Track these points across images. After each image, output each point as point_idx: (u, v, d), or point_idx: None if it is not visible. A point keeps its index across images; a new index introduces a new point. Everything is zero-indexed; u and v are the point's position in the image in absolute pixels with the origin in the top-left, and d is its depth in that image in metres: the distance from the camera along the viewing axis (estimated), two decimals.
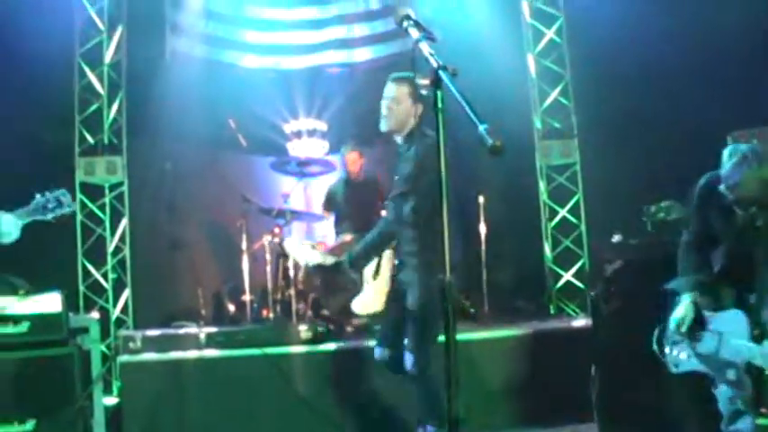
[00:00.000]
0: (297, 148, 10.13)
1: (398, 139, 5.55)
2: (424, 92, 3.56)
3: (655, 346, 5.44)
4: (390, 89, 5.45)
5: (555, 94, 9.87)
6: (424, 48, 3.11)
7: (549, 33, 9.92)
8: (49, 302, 6.29)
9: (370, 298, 5.82)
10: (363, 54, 10.46)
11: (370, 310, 5.91)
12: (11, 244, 4.79)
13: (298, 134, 10.21)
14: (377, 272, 5.95)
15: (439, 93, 2.90)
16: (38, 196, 4.85)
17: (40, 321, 6.22)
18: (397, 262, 5.56)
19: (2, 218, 4.65)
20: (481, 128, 2.78)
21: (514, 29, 10.04)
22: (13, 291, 6.52)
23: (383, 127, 5.48)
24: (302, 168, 8.89)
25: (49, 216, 4.89)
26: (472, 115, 2.80)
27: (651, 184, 8.23)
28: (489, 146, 2.75)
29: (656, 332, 5.46)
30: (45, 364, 6.18)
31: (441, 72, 2.93)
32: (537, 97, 9.97)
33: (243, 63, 10.31)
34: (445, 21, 9.50)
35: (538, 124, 9.93)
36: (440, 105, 2.87)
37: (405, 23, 3.33)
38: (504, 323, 8.00)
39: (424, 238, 5.24)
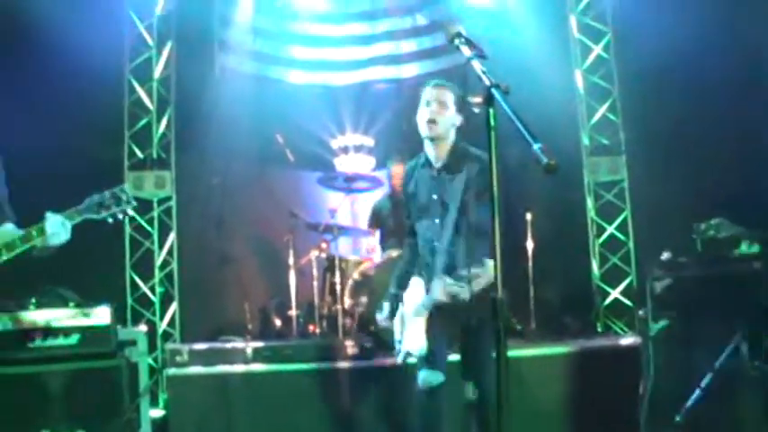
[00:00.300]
0: (344, 164, 10.16)
1: (434, 149, 5.21)
2: (476, 110, 3.48)
3: None
4: (435, 93, 5.14)
5: (603, 110, 9.80)
6: (476, 65, 3.11)
7: (597, 49, 9.86)
8: (99, 315, 6.39)
9: (420, 332, 5.14)
10: (411, 70, 10.47)
11: (424, 345, 5.10)
12: (60, 246, 4.37)
13: (345, 149, 10.25)
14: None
15: (491, 110, 2.89)
16: (94, 195, 4.47)
17: (89, 334, 6.32)
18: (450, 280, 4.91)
19: (49, 218, 4.30)
20: (535, 146, 2.77)
21: (562, 44, 10.00)
22: (63, 303, 6.61)
23: (431, 132, 5.11)
24: (349, 184, 8.92)
25: (104, 214, 4.46)
26: (526, 134, 2.79)
27: (700, 200, 8.15)
28: (544, 164, 2.75)
29: None
30: (94, 377, 6.29)
31: (493, 90, 2.92)
32: (585, 113, 9.90)
33: (290, 79, 10.39)
34: (493, 36, 9.49)
35: (585, 140, 9.87)
36: (492, 123, 2.86)
37: (456, 41, 3.32)
38: (551, 340, 7.94)
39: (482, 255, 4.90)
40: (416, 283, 5.33)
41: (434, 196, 5.23)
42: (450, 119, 5.14)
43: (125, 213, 4.52)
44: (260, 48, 10.28)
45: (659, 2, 8.82)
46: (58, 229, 4.27)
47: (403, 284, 5.45)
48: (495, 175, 2.85)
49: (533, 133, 2.78)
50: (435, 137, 5.15)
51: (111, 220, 4.49)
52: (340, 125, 10.38)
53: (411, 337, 5.20)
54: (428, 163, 5.29)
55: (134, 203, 4.57)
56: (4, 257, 4.27)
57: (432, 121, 5.11)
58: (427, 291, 5.13)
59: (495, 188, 2.87)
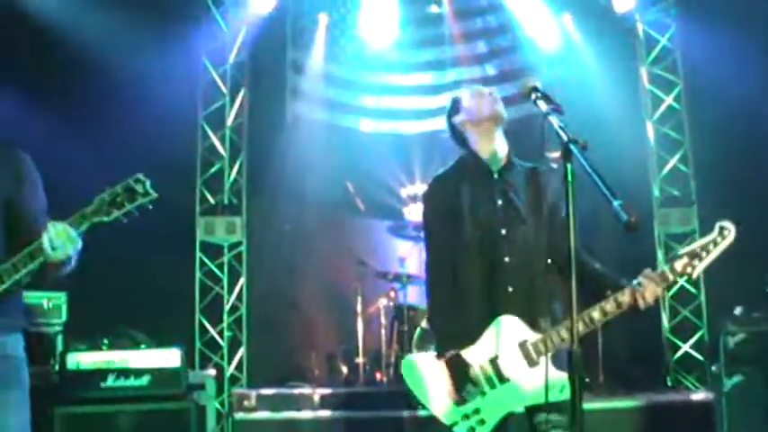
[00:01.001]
0: (413, 213, 10.17)
1: (503, 151, 4.26)
2: (554, 165, 3.53)
3: None
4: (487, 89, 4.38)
5: (674, 161, 9.73)
6: (554, 121, 3.14)
7: (668, 100, 9.81)
8: (169, 357, 6.46)
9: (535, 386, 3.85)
10: None
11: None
12: (67, 260, 3.60)
13: (414, 198, 10.27)
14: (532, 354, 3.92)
15: (569, 166, 2.91)
16: (105, 192, 3.67)
17: (160, 375, 6.40)
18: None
19: (49, 229, 3.50)
20: (615, 204, 2.79)
21: (633, 95, 9.97)
22: (134, 344, 6.72)
23: (503, 112, 4.23)
24: (418, 233, 8.94)
25: (117, 214, 3.64)
26: (605, 190, 2.80)
27: None
28: (625, 221, 2.77)
29: None
30: (163, 418, 6.36)
31: (571, 146, 2.93)
32: (655, 164, 9.83)
33: (361, 127, 10.49)
34: (564, 86, 9.50)
35: (656, 192, 9.79)
36: (570, 178, 2.88)
37: (533, 95, 3.35)
38: (620, 394, 7.83)
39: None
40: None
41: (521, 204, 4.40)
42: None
43: (142, 208, 3.71)
44: (331, 96, 10.42)
45: (730, 52, 8.75)
46: (59, 241, 3.49)
47: None
48: (573, 228, 2.85)
49: (612, 189, 2.80)
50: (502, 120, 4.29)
51: (125, 219, 3.67)
52: (409, 174, 10.43)
53: None
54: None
55: (153, 195, 3.74)
56: (5, 285, 3.55)
57: (497, 102, 4.30)
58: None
59: (573, 240, 2.88)
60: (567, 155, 2.93)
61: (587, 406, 7.10)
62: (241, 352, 9.42)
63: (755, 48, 8.54)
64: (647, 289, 3.81)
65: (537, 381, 3.77)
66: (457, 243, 4.17)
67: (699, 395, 7.82)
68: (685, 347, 9.50)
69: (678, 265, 3.85)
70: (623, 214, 2.79)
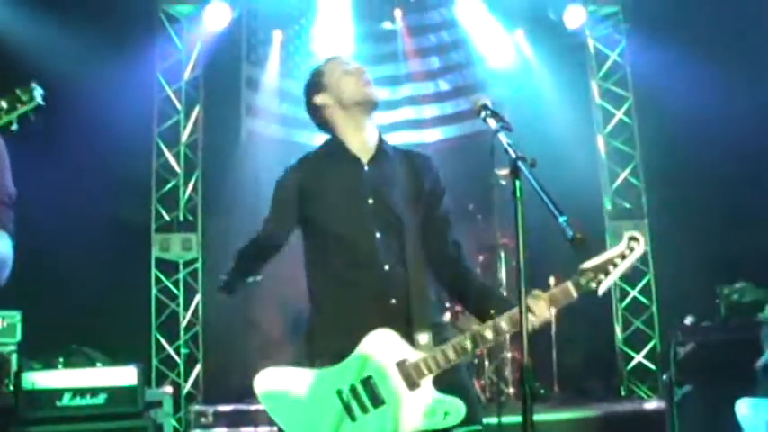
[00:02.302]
0: None
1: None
2: (503, 182, 3.49)
3: None
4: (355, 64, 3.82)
5: (625, 174, 9.88)
6: (503, 138, 3.15)
7: (619, 114, 9.98)
8: (126, 375, 6.43)
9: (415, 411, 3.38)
10: (434, 135, 10.61)
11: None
12: None
13: None
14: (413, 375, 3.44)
15: (518, 183, 2.96)
16: None
17: (116, 394, 6.35)
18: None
19: None
20: (561, 220, 2.84)
21: (584, 110, 10.11)
22: (90, 362, 6.68)
23: (376, 96, 3.74)
24: None
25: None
26: (552, 207, 2.86)
27: (724, 264, 8.15)
28: (570, 238, 2.82)
29: None
30: None
31: (520, 163, 2.99)
32: (607, 178, 9.98)
33: (316, 143, 10.46)
34: (516, 101, 9.61)
35: (608, 205, 9.93)
36: (519, 195, 2.94)
37: (483, 113, 3.38)
38: (574, 405, 7.92)
39: None
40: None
41: None
42: None
43: (23, 118, 3.31)
44: (286, 112, 10.43)
45: (679, 66, 8.90)
46: None
47: None
48: (522, 245, 2.91)
49: (559, 206, 2.86)
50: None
51: (15, 126, 3.27)
52: None
53: None
54: None
55: (38, 102, 3.38)
56: None
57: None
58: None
59: (522, 256, 2.93)
60: (515, 172, 2.99)
61: (542, 417, 7.20)
62: (198, 369, 9.40)
63: (702, 61, 8.68)
64: (536, 312, 3.47)
65: (418, 405, 3.33)
66: (314, 245, 3.77)
67: (651, 404, 7.95)
68: (638, 358, 9.64)
69: (582, 281, 3.53)
70: (569, 231, 2.83)
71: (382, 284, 3.52)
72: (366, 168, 3.67)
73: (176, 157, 9.63)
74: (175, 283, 9.44)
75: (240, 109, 10.15)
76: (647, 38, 9.66)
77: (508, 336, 3.60)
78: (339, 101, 3.71)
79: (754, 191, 8.80)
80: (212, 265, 9.55)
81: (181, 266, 9.48)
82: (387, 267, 3.53)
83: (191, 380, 9.36)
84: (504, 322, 3.43)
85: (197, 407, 8.00)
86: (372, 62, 10.61)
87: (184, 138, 9.67)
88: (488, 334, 3.42)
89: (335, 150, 3.73)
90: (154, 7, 9.61)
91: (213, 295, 9.48)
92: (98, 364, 6.64)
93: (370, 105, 3.69)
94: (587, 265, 3.54)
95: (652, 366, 9.52)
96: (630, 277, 9.70)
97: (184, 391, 9.24)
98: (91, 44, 8.27)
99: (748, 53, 8.69)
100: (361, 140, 3.71)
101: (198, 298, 9.50)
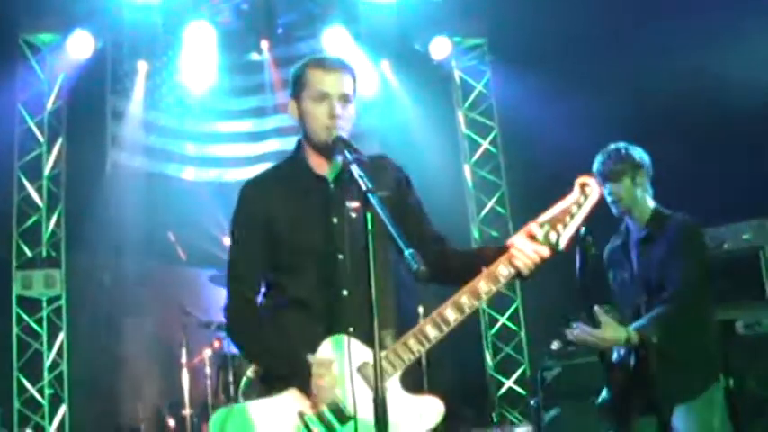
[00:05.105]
0: None
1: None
2: (353, 214, 3.33)
3: None
4: (335, 81, 3.61)
5: (492, 203, 10.06)
6: (354, 170, 3.14)
7: (485, 144, 10.17)
8: None
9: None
10: None
11: None
12: None
13: None
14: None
15: (368, 215, 2.96)
16: None
17: None
18: None
19: None
20: (407, 252, 2.85)
21: (451, 140, 10.26)
22: None
23: (344, 131, 3.54)
24: None
25: None
26: (398, 240, 2.88)
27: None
28: (414, 270, 2.83)
29: None
30: None
31: (369, 195, 2.99)
32: (474, 206, 10.14)
33: (184, 175, 10.36)
34: (384, 131, 9.68)
35: (475, 233, 10.09)
36: (369, 227, 2.94)
37: (338, 145, 3.38)
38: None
39: None
40: None
41: None
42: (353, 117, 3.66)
43: None
44: (152, 143, 10.25)
45: (542, 97, 9.11)
46: None
47: None
48: (374, 278, 2.91)
49: (405, 239, 2.88)
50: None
51: None
52: None
53: None
54: None
55: None
56: None
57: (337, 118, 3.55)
58: None
59: (374, 291, 2.92)
60: (365, 204, 2.99)
61: None
62: (63, 410, 9.09)
63: (564, 92, 8.91)
64: (524, 250, 3.37)
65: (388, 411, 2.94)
66: (275, 262, 3.57)
67: (521, 429, 8.06)
68: (509, 383, 9.79)
69: (540, 235, 3.38)
70: (413, 263, 2.84)
71: (339, 304, 3.42)
72: (332, 186, 3.58)
73: (38, 190, 9.36)
74: (38, 322, 9.13)
75: (105, 141, 9.89)
76: (511, 69, 9.89)
77: None
78: (307, 130, 3.61)
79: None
80: (76, 301, 9.29)
81: (44, 304, 9.18)
82: (345, 293, 3.44)
83: (56, 422, 9.04)
84: (465, 297, 3.37)
85: None
86: (239, 94, 10.58)
87: (47, 171, 9.41)
88: (449, 314, 3.37)
89: (299, 165, 3.65)
90: (13, 35, 9.34)
91: (78, 333, 9.25)
92: None
93: (336, 144, 3.43)
94: (543, 218, 3.42)
95: (522, 391, 9.67)
96: (499, 304, 9.86)
97: None
98: None
99: (606, 84, 8.95)
100: (328, 164, 3.60)
101: (62, 336, 9.21)
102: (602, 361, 4.89)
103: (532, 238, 3.39)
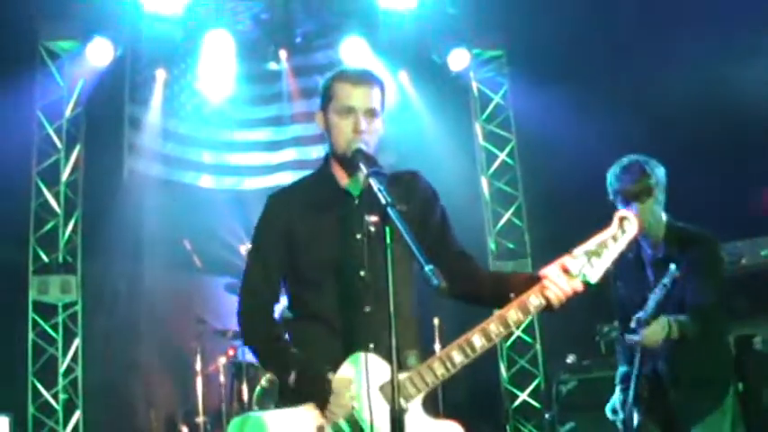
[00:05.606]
0: None
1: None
2: (372, 228, 3.29)
3: None
4: (361, 94, 3.59)
5: (508, 214, 10.03)
6: (374, 183, 3.12)
7: (502, 156, 10.15)
8: None
9: None
10: None
11: None
12: None
13: None
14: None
15: (387, 228, 2.94)
16: None
17: None
18: None
19: None
20: (427, 268, 2.83)
21: (468, 151, 10.25)
22: None
23: (370, 146, 3.53)
24: None
25: None
26: (418, 254, 2.86)
27: (605, 302, 8.29)
28: (435, 286, 2.80)
29: None
30: None
31: (389, 209, 2.97)
32: (491, 218, 10.11)
33: (200, 183, 10.39)
34: (401, 142, 9.67)
35: (492, 245, 10.06)
36: (388, 241, 2.92)
37: (357, 157, 3.37)
38: None
39: None
40: None
41: None
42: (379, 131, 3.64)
43: None
44: (170, 151, 10.28)
45: (560, 108, 9.08)
46: None
47: None
48: (392, 287, 2.89)
49: (425, 255, 2.86)
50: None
51: None
52: (248, 230, 10.30)
53: None
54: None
55: None
56: None
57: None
58: None
59: (392, 299, 2.90)
60: (385, 218, 2.97)
61: None
62: (77, 416, 9.09)
63: (582, 103, 8.89)
64: (557, 283, 3.35)
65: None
66: (296, 276, 3.58)
67: None
68: (523, 396, 9.75)
69: (575, 267, 3.35)
70: (434, 279, 2.81)
71: (361, 319, 3.41)
72: (356, 202, 3.56)
73: (56, 196, 9.37)
74: (54, 327, 9.14)
75: (122, 148, 9.94)
76: (529, 81, 9.86)
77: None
78: (333, 143, 3.59)
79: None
80: (92, 307, 9.31)
81: (60, 309, 9.19)
82: (367, 309, 3.42)
83: (70, 427, 9.04)
84: (493, 325, 3.33)
85: None
86: (257, 103, 10.61)
87: (64, 177, 9.43)
88: (477, 341, 3.33)
89: (325, 179, 3.64)
90: (33, 42, 9.38)
91: (93, 339, 9.27)
92: None
93: (358, 156, 3.40)
94: (578, 250, 3.39)
95: (537, 405, 9.63)
96: None
97: None
98: None
99: (624, 97, 8.93)
100: (352, 178, 3.58)
101: (77, 341, 9.22)
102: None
103: (566, 271, 3.35)
